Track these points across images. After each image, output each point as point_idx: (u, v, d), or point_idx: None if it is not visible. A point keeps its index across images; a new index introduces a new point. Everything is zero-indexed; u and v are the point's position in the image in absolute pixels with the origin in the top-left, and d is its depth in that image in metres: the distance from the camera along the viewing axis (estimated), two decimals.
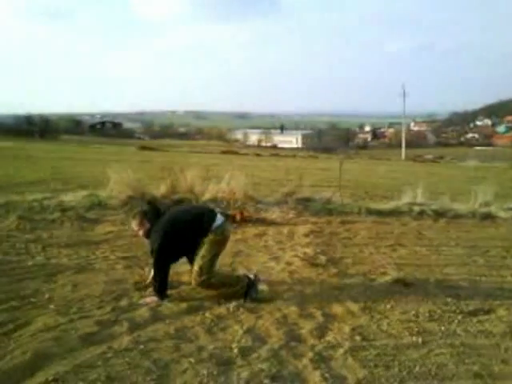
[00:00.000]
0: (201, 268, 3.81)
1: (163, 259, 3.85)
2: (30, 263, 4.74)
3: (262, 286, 4.13)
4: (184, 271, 4.30)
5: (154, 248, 3.82)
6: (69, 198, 7.72)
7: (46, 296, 3.83)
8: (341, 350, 3.02)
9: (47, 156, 21.01)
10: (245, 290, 3.89)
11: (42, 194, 7.96)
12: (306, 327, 3.38)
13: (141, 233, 4.09)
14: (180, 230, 3.91)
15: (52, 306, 3.61)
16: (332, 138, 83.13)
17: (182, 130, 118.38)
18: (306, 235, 6.42)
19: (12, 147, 27.58)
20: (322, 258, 5.26)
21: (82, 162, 18.58)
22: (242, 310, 3.67)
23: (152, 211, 4.09)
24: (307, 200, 8.63)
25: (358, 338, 3.23)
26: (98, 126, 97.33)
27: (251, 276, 4.03)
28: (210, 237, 3.88)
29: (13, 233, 5.98)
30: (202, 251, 3.85)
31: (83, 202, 7.55)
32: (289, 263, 5.04)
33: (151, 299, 3.80)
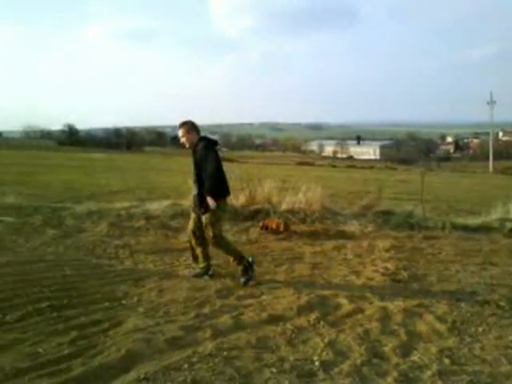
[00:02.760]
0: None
1: (216, 169, 4.46)
2: (119, 267, 5.05)
3: (342, 300, 4.09)
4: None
5: (211, 162, 4.42)
6: (153, 206, 8.12)
7: (135, 299, 4.06)
8: (428, 372, 2.87)
9: (133, 167, 22.32)
10: (244, 263, 4.57)
11: (129, 202, 8.45)
12: (389, 344, 3.27)
13: (183, 140, 4.65)
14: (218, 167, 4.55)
15: (141, 309, 3.82)
16: (411, 149, 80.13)
17: (258, 141, 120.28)
18: (387, 250, 6.23)
19: (102, 158, 29.61)
20: (404, 274, 5.07)
21: (165, 173, 19.48)
22: (322, 322, 3.64)
23: (199, 132, 4.71)
24: (387, 213, 8.38)
25: (446, 360, 3.06)
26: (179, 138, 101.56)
27: (249, 258, 4.64)
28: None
29: (104, 238, 6.42)
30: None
31: (167, 210, 7.90)
32: (369, 278, 4.92)
33: (211, 202, 4.41)
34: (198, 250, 4.81)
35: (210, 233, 4.52)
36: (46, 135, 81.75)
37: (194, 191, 4.65)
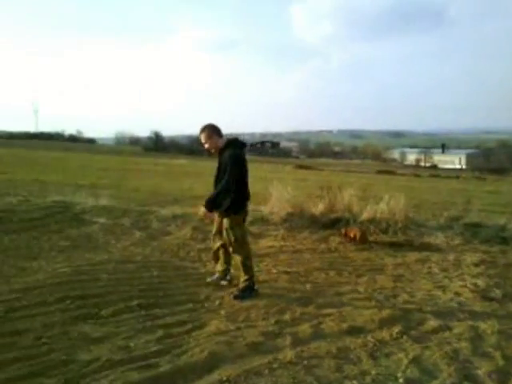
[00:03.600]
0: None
1: (234, 177, 4.23)
2: (202, 270, 5.22)
3: (427, 315, 3.91)
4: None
5: (231, 169, 4.21)
6: None
7: (217, 302, 4.17)
8: None
9: (211, 173, 22.96)
10: (250, 283, 4.38)
11: None
12: (482, 368, 3.05)
13: (207, 146, 4.44)
14: (240, 172, 4.31)
15: (222, 312, 3.93)
16: (503, 158, 74.63)
17: (336, 149, 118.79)
18: (476, 265, 5.84)
19: (185, 164, 30.82)
20: (497, 292, 4.73)
21: None
22: (405, 337, 3.50)
23: (222, 134, 4.50)
24: (476, 226, 7.88)
25: None
26: (258, 145, 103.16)
27: (255, 285, 4.46)
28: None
29: (187, 241, 6.67)
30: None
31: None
32: (457, 294, 4.65)
33: (202, 211, 4.33)
34: (220, 253, 4.69)
35: (231, 237, 4.34)
36: (135, 141, 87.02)
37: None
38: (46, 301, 3.92)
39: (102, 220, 7.63)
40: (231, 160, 4.24)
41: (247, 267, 4.40)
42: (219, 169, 4.41)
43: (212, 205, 4.28)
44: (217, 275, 4.76)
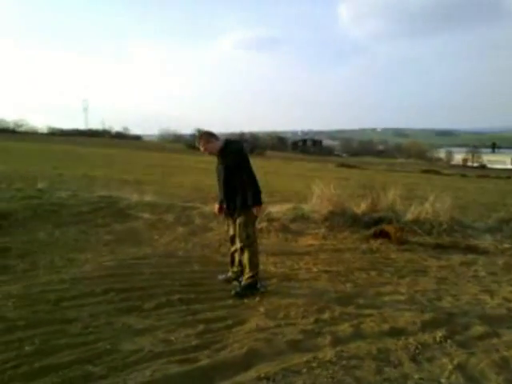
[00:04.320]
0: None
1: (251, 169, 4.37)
2: None
3: (473, 320, 3.78)
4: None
5: (247, 161, 4.36)
6: (275, 209, 8.32)
7: (257, 299, 4.19)
8: None
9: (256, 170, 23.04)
10: (253, 280, 4.39)
11: None
12: None
13: (207, 152, 4.51)
14: (248, 166, 4.36)
15: (262, 309, 3.94)
16: None
17: (380, 147, 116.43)
18: None
19: None
20: None
21: (285, 177, 19.82)
22: (450, 342, 3.40)
23: (217, 137, 4.54)
24: None
25: None
26: (300, 144, 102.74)
27: (262, 283, 4.52)
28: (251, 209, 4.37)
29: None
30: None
31: (288, 213, 8.05)
32: (507, 299, 4.46)
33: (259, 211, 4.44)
34: (236, 255, 4.68)
35: (243, 233, 4.38)
36: (178, 138, 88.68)
37: (221, 196, 4.55)
38: (93, 292, 4.08)
39: (146, 215, 7.83)
40: (242, 153, 4.42)
41: (253, 264, 4.43)
42: (226, 168, 4.42)
43: (258, 198, 4.34)
44: (229, 274, 4.75)
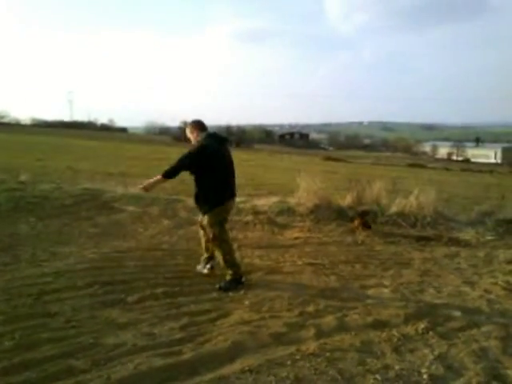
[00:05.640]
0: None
1: (186, 162, 4.23)
2: None
3: (456, 313, 3.83)
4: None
5: (186, 155, 4.23)
6: (261, 202, 8.32)
7: (242, 292, 4.19)
8: None
9: (241, 163, 22.99)
10: (233, 278, 4.35)
11: (238, 197, 8.71)
12: None
13: (191, 139, 4.52)
14: (210, 165, 4.23)
15: (246, 302, 3.94)
16: None
17: (366, 141, 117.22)
18: (509, 262, 5.68)
19: None
20: None
21: (272, 170, 19.82)
22: (431, 333, 3.44)
23: (205, 129, 4.51)
24: (510, 222, 7.65)
25: None
26: (287, 137, 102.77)
27: (243, 277, 4.45)
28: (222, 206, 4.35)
29: None
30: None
31: (274, 207, 8.05)
32: (487, 291, 4.53)
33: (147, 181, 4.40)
34: (203, 241, 4.75)
35: (210, 233, 4.38)
36: (164, 131, 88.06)
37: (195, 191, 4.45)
38: (76, 285, 4.04)
39: (130, 208, 7.77)
40: (193, 148, 4.27)
41: (229, 263, 4.40)
42: (192, 164, 4.33)
43: (170, 175, 4.31)
44: (202, 265, 4.79)
